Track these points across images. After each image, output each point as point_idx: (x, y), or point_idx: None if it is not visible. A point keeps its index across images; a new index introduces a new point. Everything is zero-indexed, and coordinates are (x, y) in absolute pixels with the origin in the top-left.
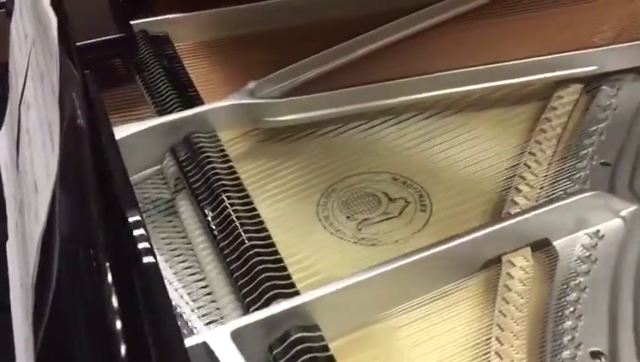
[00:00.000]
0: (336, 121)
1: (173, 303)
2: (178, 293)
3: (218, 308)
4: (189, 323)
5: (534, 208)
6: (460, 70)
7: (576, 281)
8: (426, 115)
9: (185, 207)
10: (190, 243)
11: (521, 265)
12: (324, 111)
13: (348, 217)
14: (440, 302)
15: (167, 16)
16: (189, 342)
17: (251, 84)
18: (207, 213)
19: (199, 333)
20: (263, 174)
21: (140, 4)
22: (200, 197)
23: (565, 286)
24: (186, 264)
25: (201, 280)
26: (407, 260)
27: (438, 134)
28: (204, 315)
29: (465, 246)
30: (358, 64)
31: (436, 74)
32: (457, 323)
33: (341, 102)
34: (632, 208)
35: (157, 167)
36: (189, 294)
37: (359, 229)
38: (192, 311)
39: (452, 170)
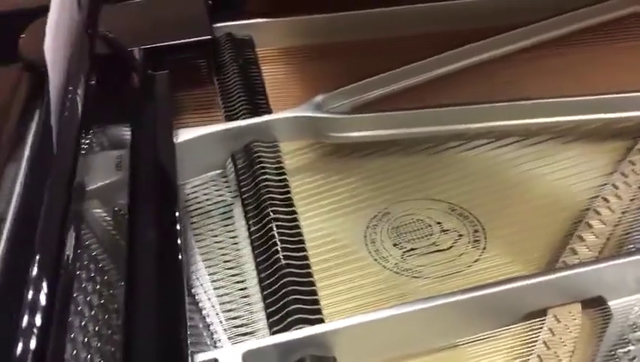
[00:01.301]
0: (402, 142)
1: (204, 313)
2: (211, 303)
3: (248, 323)
4: (214, 335)
5: (593, 262)
6: (543, 100)
7: (626, 349)
8: (498, 144)
9: (238, 215)
10: (239, 251)
11: (566, 323)
12: (391, 131)
13: (395, 244)
14: (470, 351)
15: (253, 20)
16: (201, 357)
17: (319, 97)
18: (251, 224)
19: (223, 347)
20: (320, 188)
21: (228, 7)
22: (248, 208)
23: (612, 353)
24: (229, 272)
25: (240, 289)
26: (442, 301)
27: (508, 166)
28: (232, 327)
29: (509, 294)
30: (436, 84)
31: (516, 102)
32: None
33: (409, 124)
34: None
35: (221, 171)
36: (222, 304)
37: (404, 259)
38: (221, 322)
39: (515, 206)
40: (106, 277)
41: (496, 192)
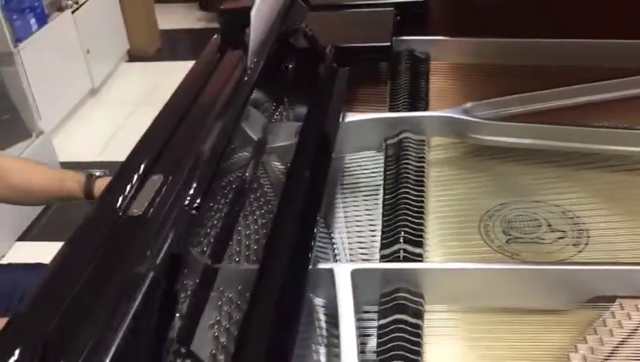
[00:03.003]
0: (533, 152)
1: (334, 246)
2: (340, 237)
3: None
4: (337, 257)
5: None
6: None
7: None
8: (621, 168)
9: (379, 187)
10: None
11: (629, 312)
12: (525, 140)
13: (504, 231)
14: (539, 317)
15: (432, 37)
16: (322, 265)
17: (468, 104)
18: (386, 191)
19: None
20: (453, 178)
21: (415, 24)
22: (387, 180)
23: None
24: (360, 220)
25: (363, 232)
26: (525, 267)
27: (624, 189)
28: (352, 254)
29: (586, 275)
30: (574, 110)
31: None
32: (545, 340)
33: (543, 136)
34: None
35: (375, 151)
36: (350, 243)
37: (508, 243)
38: (344, 250)
39: (622, 223)
40: (270, 207)
41: (609, 208)
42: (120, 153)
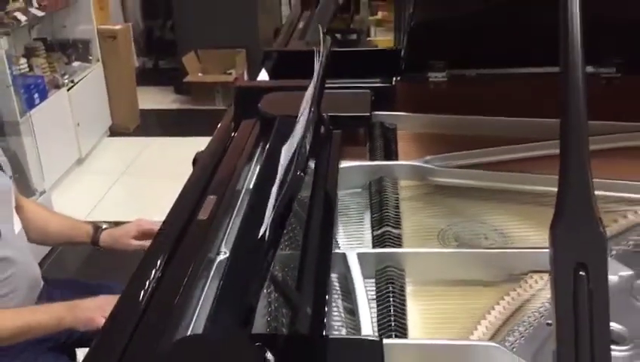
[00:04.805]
0: (474, 190)
1: (339, 245)
2: (341, 239)
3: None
4: (342, 249)
5: None
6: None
7: None
8: (535, 201)
9: (366, 214)
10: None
11: (535, 279)
12: (468, 181)
13: (455, 239)
14: (483, 288)
15: (398, 113)
16: (336, 250)
17: (428, 157)
18: (373, 217)
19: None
20: (419, 208)
21: (385, 102)
22: (373, 209)
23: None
24: (353, 233)
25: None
26: (471, 250)
27: (535, 213)
28: (350, 244)
29: (509, 256)
30: (500, 163)
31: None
32: (480, 300)
33: (480, 179)
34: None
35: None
36: (347, 240)
37: (457, 247)
38: (345, 245)
39: (535, 234)
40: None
41: (523, 225)
42: (105, 217)
